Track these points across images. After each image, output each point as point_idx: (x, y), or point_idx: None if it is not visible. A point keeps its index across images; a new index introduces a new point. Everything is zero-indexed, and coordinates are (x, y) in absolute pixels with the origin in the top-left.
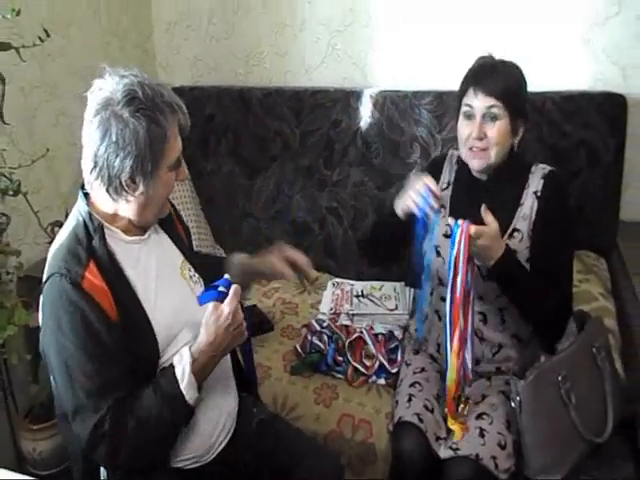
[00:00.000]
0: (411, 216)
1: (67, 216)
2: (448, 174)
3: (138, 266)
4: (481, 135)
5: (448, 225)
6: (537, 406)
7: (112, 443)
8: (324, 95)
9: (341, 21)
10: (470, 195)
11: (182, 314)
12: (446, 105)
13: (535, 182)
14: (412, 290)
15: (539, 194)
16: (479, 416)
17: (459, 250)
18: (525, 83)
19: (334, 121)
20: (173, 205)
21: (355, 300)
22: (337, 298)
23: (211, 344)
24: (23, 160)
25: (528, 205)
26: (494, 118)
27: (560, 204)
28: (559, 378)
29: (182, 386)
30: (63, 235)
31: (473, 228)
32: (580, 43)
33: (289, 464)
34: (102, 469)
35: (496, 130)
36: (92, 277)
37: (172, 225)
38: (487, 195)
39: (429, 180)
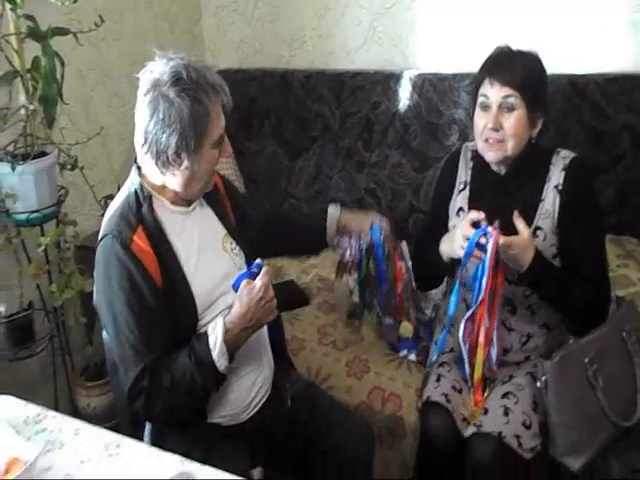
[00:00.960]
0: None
1: (119, 189)
2: (464, 173)
3: (182, 235)
4: (497, 126)
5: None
6: (563, 386)
7: (149, 397)
8: (364, 77)
9: (382, 4)
10: (489, 193)
11: (221, 283)
12: None
13: (556, 175)
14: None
15: (560, 188)
16: (504, 395)
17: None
18: (544, 74)
19: (373, 103)
20: (227, 182)
21: None
22: None
23: (243, 316)
24: (80, 138)
25: (550, 201)
26: (510, 108)
27: (583, 195)
28: (586, 360)
29: (214, 354)
30: (117, 202)
31: (502, 239)
32: (625, 25)
33: (322, 431)
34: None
35: (512, 121)
36: (140, 241)
37: (218, 201)
38: (506, 191)
39: (475, 216)
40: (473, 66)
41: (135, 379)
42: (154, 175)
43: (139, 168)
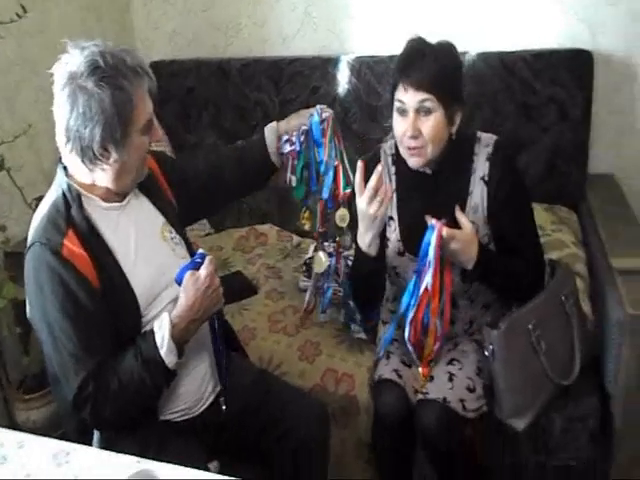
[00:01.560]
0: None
1: None
2: (387, 179)
3: (117, 231)
4: (416, 133)
5: (400, 241)
6: (509, 354)
7: (95, 404)
8: (302, 63)
9: None
10: (416, 195)
11: (163, 275)
12: None
13: (481, 166)
14: None
15: (486, 179)
16: (450, 362)
17: (435, 256)
18: (459, 67)
19: (312, 88)
20: (158, 156)
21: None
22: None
23: (190, 308)
24: (5, 137)
25: (477, 193)
26: (427, 112)
27: (510, 182)
28: (530, 327)
29: (162, 352)
30: (44, 206)
31: (445, 230)
32: (549, 2)
33: (276, 416)
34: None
35: (431, 124)
36: (71, 244)
37: (153, 185)
38: (433, 191)
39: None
40: None
41: (79, 388)
42: (82, 173)
43: (65, 168)
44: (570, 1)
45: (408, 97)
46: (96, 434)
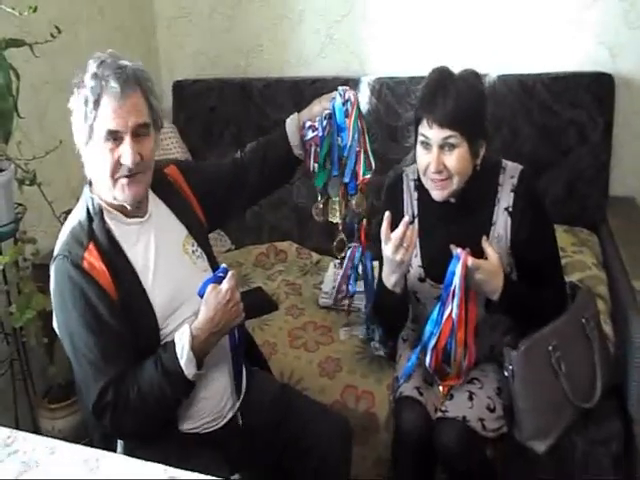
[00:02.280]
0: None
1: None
2: (410, 205)
3: (137, 245)
4: (440, 167)
5: (421, 267)
6: (529, 374)
7: (115, 412)
8: (322, 84)
9: (338, 11)
10: (439, 224)
11: (183, 289)
12: None
13: (505, 197)
14: None
15: (510, 209)
16: (470, 381)
17: (460, 285)
18: (483, 98)
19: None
20: (182, 167)
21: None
22: (338, 278)
23: (211, 320)
24: (36, 153)
25: (501, 224)
26: (452, 147)
27: (534, 212)
28: (550, 348)
29: (182, 362)
30: (70, 221)
31: (471, 260)
32: (569, 25)
33: (298, 430)
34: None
35: (455, 160)
36: (92, 258)
37: (176, 196)
38: (457, 220)
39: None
40: (429, 68)
41: (98, 396)
42: (102, 189)
43: (91, 184)
44: (590, 24)
45: (432, 133)
46: (119, 443)
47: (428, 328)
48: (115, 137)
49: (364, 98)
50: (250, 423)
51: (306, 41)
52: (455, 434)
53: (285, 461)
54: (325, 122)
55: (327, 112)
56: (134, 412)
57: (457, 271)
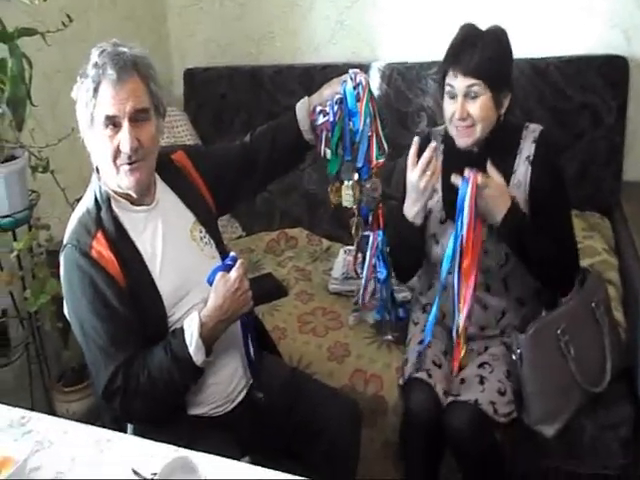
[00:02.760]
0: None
1: None
2: (435, 156)
3: (145, 233)
4: (464, 115)
5: (442, 210)
6: (537, 358)
7: (125, 396)
8: (333, 70)
9: None
10: (461, 169)
11: (190, 276)
12: None
13: (527, 147)
14: None
15: (532, 159)
16: (480, 365)
17: (470, 205)
18: (508, 52)
19: None
20: (191, 152)
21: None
22: (349, 263)
23: (220, 308)
24: (49, 140)
25: (522, 172)
26: (475, 96)
27: (553, 167)
28: (558, 331)
29: (191, 349)
30: (78, 209)
31: (480, 177)
32: (582, 7)
33: (308, 413)
34: None
35: (478, 107)
36: (100, 246)
37: (185, 183)
38: (478, 166)
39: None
40: (439, 54)
41: (108, 381)
42: (109, 177)
43: (98, 172)
44: (603, 7)
45: (457, 82)
46: (129, 427)
47: (445, 266)
48: (114, 123)
49: (374, 84)
50: (260, 406)
51: (317, 28)
52: (467, 417)
53: (295, 444)
54: (336, 107)
55: (338, 96)
56: (143, 396)
57: (467, 192)
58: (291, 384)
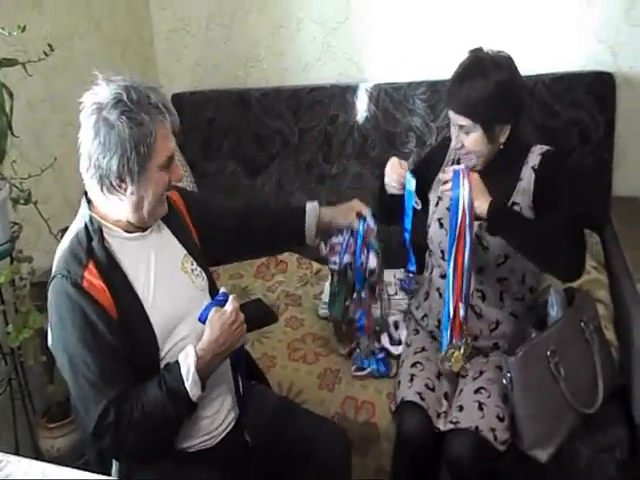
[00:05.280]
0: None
1: None
2: (454, 154)
3: (137, 262)
4: (458, 145)
5: (447, 209)
6: (527, 380)
7: (117, 432)
8: (321, 92)
9: (335, 18)
10: None
11: (182, 307)
12: (440, 94)
13: (533, 159)
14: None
15: (536, 167)
16: (477, 390)
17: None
18: (507, 85)
19: (331, 117)
20: (185, 196)
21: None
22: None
23: (216, 341)
24: (32, 171)
25: (527, 179)
26: (467, 132)
27: (557, 173)
28: (548, 353)
29: (187, 384)
30: (67, 238)
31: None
32: (569, 24)
33: (297, 443)
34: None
35: (470, 142)
36: (91, 277)
37: (177, 220)
38: (486, 178)
39: (395, 164)
40: (427, 74)
41: (99, 417)
42: (103, 205)
43: (89, 201)
44: (590, 23)
45: (451, 115)
46: (115, 464)
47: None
48: (171, 161)
49: (362, 105)
50: (249, 435)
51: (304, 49)
52: (468, 445)
53: (284, 473)
54: (349, 239)
55: (352, 228)
56: (136, 431)
57: (461, 182)
58: (280, 413)
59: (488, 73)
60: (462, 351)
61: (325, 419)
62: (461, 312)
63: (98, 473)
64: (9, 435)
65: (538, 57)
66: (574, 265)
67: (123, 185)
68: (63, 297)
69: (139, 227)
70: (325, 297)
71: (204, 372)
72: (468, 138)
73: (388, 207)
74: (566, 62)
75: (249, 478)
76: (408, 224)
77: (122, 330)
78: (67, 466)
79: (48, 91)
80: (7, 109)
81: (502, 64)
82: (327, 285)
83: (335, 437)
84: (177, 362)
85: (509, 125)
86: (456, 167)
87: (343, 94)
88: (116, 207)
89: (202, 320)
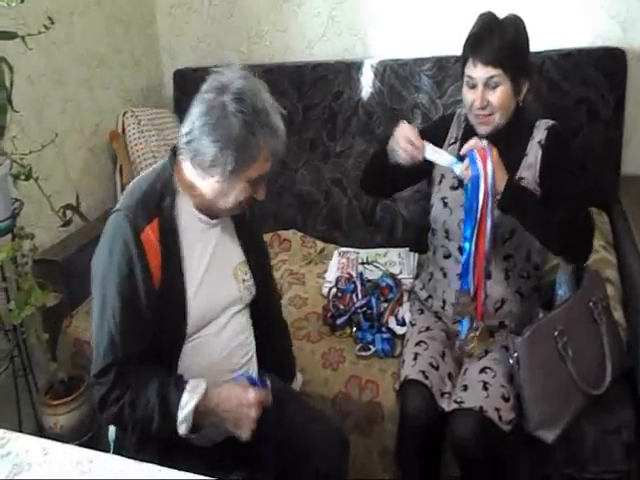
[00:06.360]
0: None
1: (77, 198)
2: (456, 130)
3: (196, 244)
4: (484, 104)
5: (455, 178)
6: (534, 361)
7: (108, 394)
8: (325, 68)
9: None
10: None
11: (216, 310)
12: (446, 70)
13: (539, 133)
14: (416, 255)
15: (543, 142)
16: (482, 370)
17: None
18: (525, 38)
19: (336, 93)
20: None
21: (360, 267)
22: (342, 266)
23: (219, 407)
24: (33, 147)
25: (533, 154)
26: (495, 85)
27: (563, 149)
28: (555, 333)
29: (179, 415)
30: (144, 182)
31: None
32: (576, 1)
33: (292, 436)
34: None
35: (498, 96)
36: (151, 233)
37: (247, 226)
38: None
39: (406, 130)
40: (432, 50)
41: (100, 371)
42: (188, 169)
43: (174, 154)
44: None
45: (477, 72)
46: (111, 428)
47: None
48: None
49: (367, 82)
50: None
51: (308, 25)
52: (472, 425)
53: (279, 465)
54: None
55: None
56: (122, 408)
57: (480, 163)
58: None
59: (508, 24)
60: (478, 333)
61: (321, 417)
62: (483, 296)
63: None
64: (12, 412)
65: (546, 33)
66: (582, 247)
67: (211, 171)
68: (120, 236)
69: (209, 211)
70: (329, 276)
71: (198, 418)
72: (495, 93)
73: (388, 176)
74: (575, 38)
75: (243, 470)
76: (467, 231)
77: (157, 301)
78: (69, 443)
79: (49, 66)
80: (7, 83)
81: (512, 16)
82: (331, 263)
83: (330, 439)
84: (185, 384)
85: (528, 80)
86: (477, 144)
87: (348, 70)
88: (197, 180)
89: (235, 379)
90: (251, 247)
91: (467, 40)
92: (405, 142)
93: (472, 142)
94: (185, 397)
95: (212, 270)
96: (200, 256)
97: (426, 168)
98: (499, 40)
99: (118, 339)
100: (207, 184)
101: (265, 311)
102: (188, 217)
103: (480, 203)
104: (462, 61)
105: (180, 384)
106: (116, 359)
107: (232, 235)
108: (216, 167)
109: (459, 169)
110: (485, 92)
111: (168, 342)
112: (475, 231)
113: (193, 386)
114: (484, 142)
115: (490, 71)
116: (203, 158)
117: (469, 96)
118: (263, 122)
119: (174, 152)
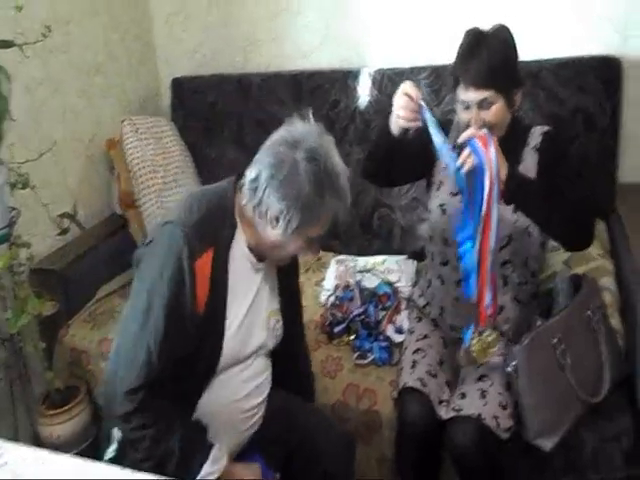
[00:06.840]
0: (406, 133)
1: (75, 207)
2: (454, 138)
3: (241, 283)
4: (480, 123)
5: (454, 184)
6: (532, 369)
7: (130, 416)
8: (321, 77)
9: (336, 2)
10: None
11: (245, 353)
12: (443, 79)
13: (534, 139)
14: (414, 263)
15: (538, 146)
16: (479, 378)
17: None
18: (514, 50)
19: (332, 102)
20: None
21: (358, 275)
22: (340, 274)
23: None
24: (30, 155)
25: (529, 160)
26: (490, 105)
27: (560, 151)
28: (554, 341)
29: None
30: (209, 197)
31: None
32: (575, 8)
33: (302, 444)
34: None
35: (493, 114)
36: (205, 262)
37: (288, 271)
38: None
39: (408, 88)
40: (429, 58)
41: (131, 390)
42: (248, 211)
43: (238, 180)
44: (597, 7)
45: (469, 96)
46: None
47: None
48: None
49: (364, 90)
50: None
51: (304, 34)
52: (470, 433)
53: (288, 472)
54: None
55: None
56: (141, 439)
57: (482, 150)
58: (283, 413)
59: (494, 40)
60: (490, 339)
61: (329, 424)
62: (487, 299)
63: None
64: (8, 421)
65: (542, 42)
66: (584, 232)
67: (273, 224)
68: (174, 252)
69: (257, 252)
70: (327, 284)
71: None
72: (489, 112)
73: (390, 156)
74: (571, 47)
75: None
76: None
77: (197, 331)
78: (66, 452)
79: (46, 74)
80: (5, 91)
81: (497, 28)
82: (329, 271)
83: (338, 444)
84: (209, 447)
85: (521, 88)
86: (477, 132)
87: (344, 79)
88: (259, 224)
89: (249, 459)
90: (287, 289)
91: (456, 60)
92: (404, 98)
93: (471, 130)
94: (207, 468)
95: (250, 315)
96: (244, 297)
97: (429, 156)
98: (487, 60)
99: (156, 358)
100: (265, 232)
101: (290, 343)
102: (239, 254)
103: (486, 192)
104: (453, 81)
105: (205, 446)
106: (149, 380)
107: (273, 279)
108: (279, 222)
109: (447, 155)
110: (480, 112)
111: (198, 374)
112: (480, 226)
113: (216, 457)
114: (484, 130)
115: (482, 93)
116: (267, 210)
117: (464, 116)
118: (332, 185)
119: (237, 179)
